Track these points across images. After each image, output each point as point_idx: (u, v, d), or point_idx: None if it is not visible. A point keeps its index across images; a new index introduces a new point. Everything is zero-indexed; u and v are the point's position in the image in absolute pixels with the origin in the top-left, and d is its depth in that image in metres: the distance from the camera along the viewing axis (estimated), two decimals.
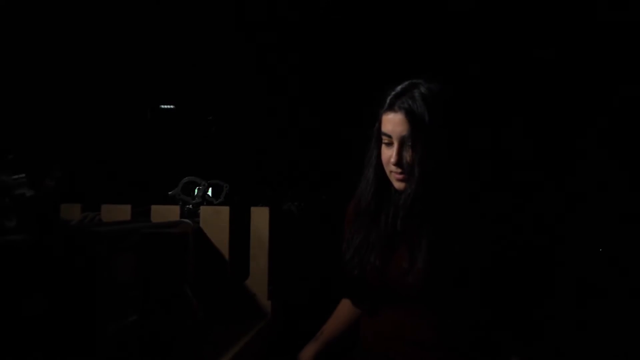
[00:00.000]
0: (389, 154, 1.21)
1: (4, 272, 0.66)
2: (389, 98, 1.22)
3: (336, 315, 1.45)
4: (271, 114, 3.54)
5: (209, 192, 1.61)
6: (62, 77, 3.10)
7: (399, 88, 1.23)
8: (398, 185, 1.22)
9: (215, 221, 1.43)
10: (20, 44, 2.87)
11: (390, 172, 1.22)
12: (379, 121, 1.24)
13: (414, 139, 1.17)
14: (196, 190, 1.53)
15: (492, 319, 1.21)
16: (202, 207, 1.46)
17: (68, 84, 3.13)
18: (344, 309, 1.44)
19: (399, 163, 1.19)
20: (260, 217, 1.48)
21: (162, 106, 4.17)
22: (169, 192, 1.55)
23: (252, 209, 1.49)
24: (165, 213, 1.44)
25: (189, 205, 1.56)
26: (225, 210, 1.44)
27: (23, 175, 0.95)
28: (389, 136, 1.20)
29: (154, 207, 1.46)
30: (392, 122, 1.19)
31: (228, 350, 1.14)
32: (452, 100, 1.22)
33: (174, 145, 3.86)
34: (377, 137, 1.25)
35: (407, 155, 1.18)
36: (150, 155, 3.68)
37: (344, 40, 3.26)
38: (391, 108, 1.21)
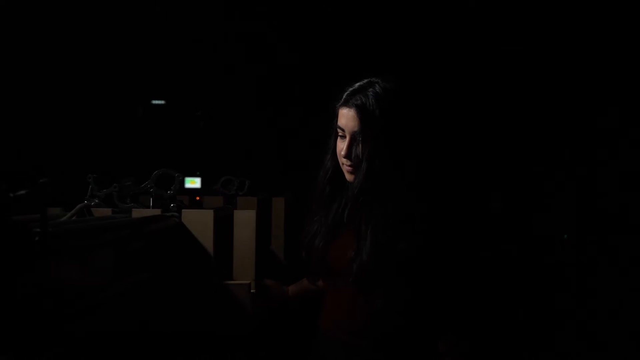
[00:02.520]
0: (341, 147, 1.27)
1: None
2: (345, 94, 1.28)
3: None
4: (260, 108, 4.08)
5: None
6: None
7: (356, 85, 1.28)
8: (348, 177, 1.29)
9: (247, 207, 2.04)
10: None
11: (342, 164, 1.29)
12: (336, 115, 1.30)
13: (363, 134, 1.23)
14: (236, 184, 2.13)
15: (426, 310, 1.26)
16: (238, 197, 2.06)
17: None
18: None
19: (348, 156, 1.25)
20: (279, 205, 2.09)
21: (153, 102, 4.69)
22: (214, 187, 2.15)
23: (273, 199, 2.10)
24: (214, 201, 2.05)
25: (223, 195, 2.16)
26: (253, 200, 2.05)
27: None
28: (343, 130, 1.26)
29: (205, 198, 2.06)
30: (346, 117, 1.25)
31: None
32: (406, 100, 1.27)
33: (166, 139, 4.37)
34: (334, 130, 1.31)
35: (357, 150, 1.25)
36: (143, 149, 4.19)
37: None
38: (346, 104, 1.26)
